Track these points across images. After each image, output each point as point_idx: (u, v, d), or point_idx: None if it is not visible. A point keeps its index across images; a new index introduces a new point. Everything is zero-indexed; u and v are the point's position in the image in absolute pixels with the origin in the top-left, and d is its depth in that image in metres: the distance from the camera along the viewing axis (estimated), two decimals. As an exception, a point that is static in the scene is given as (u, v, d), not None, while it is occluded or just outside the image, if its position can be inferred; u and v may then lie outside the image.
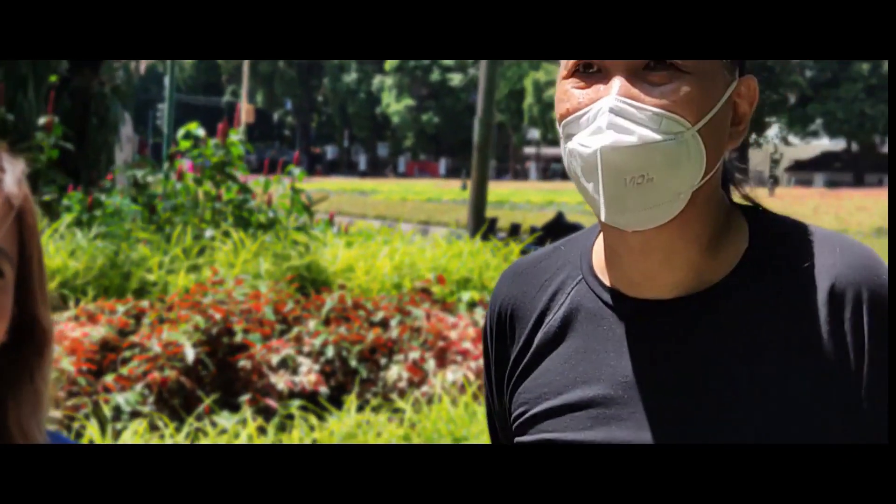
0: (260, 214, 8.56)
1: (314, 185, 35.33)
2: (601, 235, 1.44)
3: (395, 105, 64.91)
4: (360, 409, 5.60)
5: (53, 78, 15.47)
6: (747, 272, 1.36)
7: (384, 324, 6.47)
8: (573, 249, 1.50)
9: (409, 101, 64.64)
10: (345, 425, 5.27)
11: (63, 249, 6.83)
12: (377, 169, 69.14)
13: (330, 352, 5.92)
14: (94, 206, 8.27)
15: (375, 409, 5.66)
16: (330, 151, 75.71)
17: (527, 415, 1.43)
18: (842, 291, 1.30)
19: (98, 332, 5.59)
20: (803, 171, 58.69)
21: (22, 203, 1.23)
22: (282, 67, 68.79)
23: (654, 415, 1.33)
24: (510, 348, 1.49)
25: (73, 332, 5.47)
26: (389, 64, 63.64)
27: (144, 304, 6.37)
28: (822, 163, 63.26)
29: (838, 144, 64.00)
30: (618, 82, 1.27)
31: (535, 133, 66.19)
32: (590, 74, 1.30)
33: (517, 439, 1.44)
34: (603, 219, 1.30)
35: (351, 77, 66.30)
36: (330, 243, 8.15)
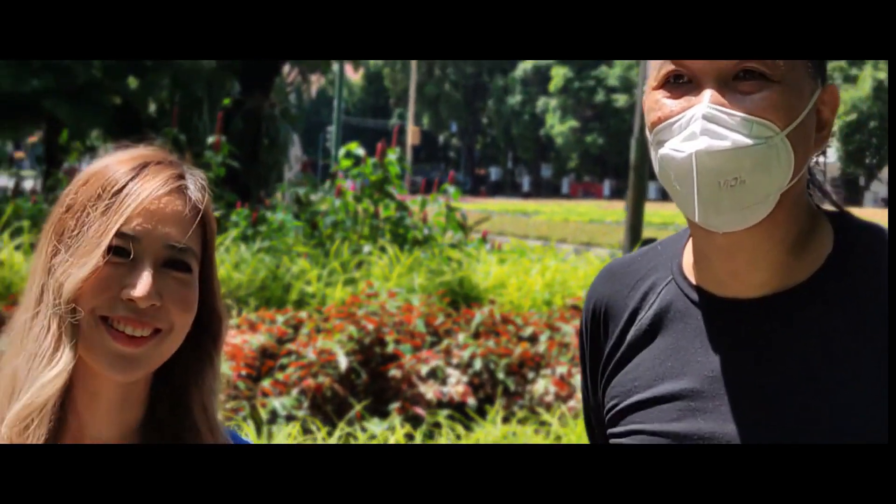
0: (416, 231, 8.78)
1: (478, 206, 35.60)
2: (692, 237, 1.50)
3: (559, 126, 64.89)
4: (506, 420, 5.70)
5: (227, 101, 16.14)
6: (831, 274, 1.40)
7: (533, 339, 6.55)
8: (666, 251, 1.57)
9: (573, 123, 64.52)
10: (490, 435, 5.38)
11: (228, 262, 7.16)
12: (541, 190, 69.23)
13: (478, 364, 6.04)
14: (259, 221, 8.63)
15: (521, 422, 5.75)
16: (494, 173, 76.21)
17: (618, 407, 1.50)
18: None
19: (258, 339, 5.86)
20: None
21: (205, 207, 1.41)
22: (447, 90, 69.68)
23: (737, 408, 1.39)
24: (604, 344, 1.56)
25: (233, 339, 5.74)
26: (554, 85, 63.70)
27: (303, 314, 6.63)
28: None
29: None
30: (709, 91, 1.33)
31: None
32: (680, 85, 1.37)
33: (609, 430, 1.51)
34: (698, 221, 1.36)
35: (515, 99, 66.64)
36: (483, 260, 8.29)
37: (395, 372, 5.80)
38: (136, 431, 1.41)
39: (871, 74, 47.00)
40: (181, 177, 1.41)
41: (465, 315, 6.79)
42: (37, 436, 1.30)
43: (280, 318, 6.43)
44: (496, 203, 46.28)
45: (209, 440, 1.43)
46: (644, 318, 1.52)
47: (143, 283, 1.32)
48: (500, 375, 6.06)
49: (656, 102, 1.38)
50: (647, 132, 1.41)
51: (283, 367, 5.73)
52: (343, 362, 5.65)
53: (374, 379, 5.89)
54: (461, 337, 6.37)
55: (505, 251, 9.25)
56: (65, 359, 1.31)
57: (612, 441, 1.50)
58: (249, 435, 5.01)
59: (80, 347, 1.33)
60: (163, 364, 1.39)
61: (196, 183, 1.42)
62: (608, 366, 1.55)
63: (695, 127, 1.32)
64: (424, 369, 5.85)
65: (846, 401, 1.34)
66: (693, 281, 1.48)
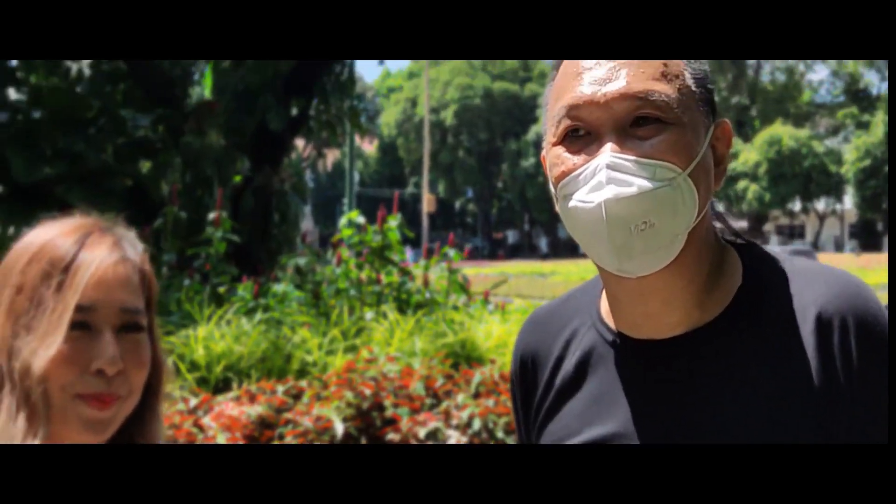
0: (418, 295, 8.81)
1: (496, 269, 35.51)
2: None
3: (574, 187, 64.92)
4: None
5: (237, 178, 16.34)
6: (741, 308, 1.43)
7: (533, 396, 6.54)
8: (584, 297, 1.60)
9: (588, 183, 64.56)
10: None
11: (229, 335, 7.21)
12: (559, 251, 69.20)
13: (477, 424, 6.03)
14: (261, 293, 8.68)
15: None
16: (511, 236, 76.33)
17: None
18: (829, 320, 1.36)
19: (255, 410, 5.87)
20: None
21: (146, 266, 1.48)
22: (461, 157, 70.05)
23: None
24: (533, 393, 1.59)
25: (231, 411, 5.77)
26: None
27: (303, 383, 6.64)
28: None
29: None
30: (610, 141, 1.36)
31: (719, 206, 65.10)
32: (579, 138, 1.39)
33: None
34: (615, 269, 1.39)
35: (529, 162, 66.91)
36: (485, 321, 8.31)
37: (392, 435, 5.80)
38: None
39: (883, 120, 46.97)
40: (120, 240, 1.46)
41: (465, 375, 6.79)
42: None
43: (280, 389, 6.44)
44: (514, 266, 46.30)
45: None
46: (568, 364, 1.54)
47: (108, 352, 1.38)
48: (500, 434, 6.04)
49: (558, 157, 1.41)
50: (552, 187, 1.44)
51: (280, 437, 5.74)
52: (339, 429, 5.66)
53: (372, 444, 5.89)
54: (460, 398, 6.35)
55: (509, 311, 9.26)
56: (40, 436, 1.35)
57: None
58: None
59: (53, 422, 1.37)
60: None
61: (131, 243, 1.47)
62: (539, 414, 1.57)
63: (600, 177, 1.34)
64: (423, 432, 5.84)
65: (764, 430, 1.36)
66: (611, 325, 1.51)
